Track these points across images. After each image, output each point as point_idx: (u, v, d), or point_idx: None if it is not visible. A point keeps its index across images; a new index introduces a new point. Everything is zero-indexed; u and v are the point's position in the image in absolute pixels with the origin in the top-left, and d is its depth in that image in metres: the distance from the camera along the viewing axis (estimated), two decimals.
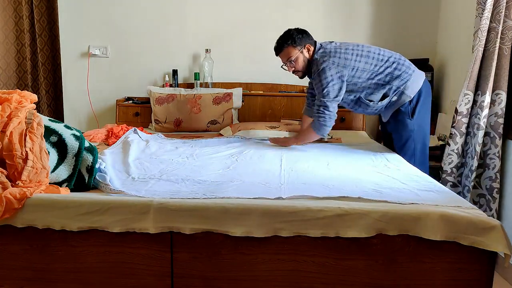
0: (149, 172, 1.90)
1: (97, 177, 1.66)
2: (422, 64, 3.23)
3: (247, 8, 3.53)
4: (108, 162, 1.95)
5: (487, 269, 1.35)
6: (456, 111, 2.47)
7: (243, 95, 3.37)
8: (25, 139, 1.51)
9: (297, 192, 1.54)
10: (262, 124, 3.02)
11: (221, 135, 3.06)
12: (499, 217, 2.44)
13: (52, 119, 1.74)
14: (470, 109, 2.44)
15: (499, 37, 2.32)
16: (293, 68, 2.53)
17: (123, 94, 3.60)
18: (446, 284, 1.36)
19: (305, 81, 3.54)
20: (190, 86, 3.50)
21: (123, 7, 3.55)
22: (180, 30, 3.56)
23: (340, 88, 2.37)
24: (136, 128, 2.78)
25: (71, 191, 1.57)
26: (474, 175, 2.41)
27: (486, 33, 2.34)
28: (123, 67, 3.61)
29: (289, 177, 1.80)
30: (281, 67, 2.57)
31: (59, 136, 1.63)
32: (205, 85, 3.45)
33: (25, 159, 1.48)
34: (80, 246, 1.44)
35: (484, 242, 1.30)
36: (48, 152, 1.56)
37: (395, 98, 2.41)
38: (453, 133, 2.49)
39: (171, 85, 3.48)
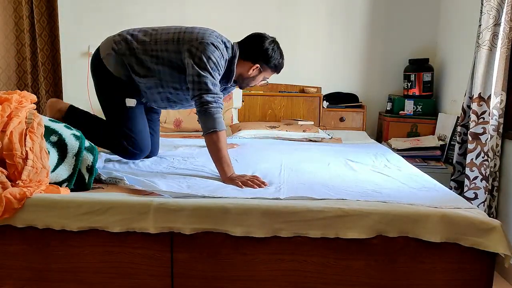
0: (150, 170, 1.90)
1: (113, 174, 1.67)
2: (422, 64, 3.24)
3: (247, 9, 3.52)
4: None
5: (487, 269, 1.35)
6: (463, 110, 2.49)
7: (243, 95, 3.37)
8: (25, 139, 1.51)
9: (297, 192, 1.54)
10: (262, 124, 3.02)
11: None
12: (497, 215, 2.46)
13: (52, 119, 1.74)
14: (473, 109, 2.45)
15: (499, 37, 2.33)
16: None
17: None
18: (446, 284, 1.36)
19: (305, 81, 3.55)
20: None
21: (123, 7, 3.54)
22: None
23: None
24: None
25: (71, 191, 1.57)
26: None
27: (489, 33, 2.34)
28: None
29: (289, 177, 1.80)
30: (264, 82, 2.25)
31: (59, 136, 1.62)
32: None
33: (25, 159, 1.48)
34: (80, 246, 1.44)
35: (484, 243, 1.30)
36: (48, 152, 1.56)
37: None
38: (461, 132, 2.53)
39: None
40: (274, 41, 2.07)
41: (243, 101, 3.36)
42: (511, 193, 2.36)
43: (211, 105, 1.85)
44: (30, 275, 1.47)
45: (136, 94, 2.08)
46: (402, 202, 1.43)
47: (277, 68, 2.12)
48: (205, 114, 1.85)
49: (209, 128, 1.84)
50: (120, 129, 2.02)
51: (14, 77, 3.56)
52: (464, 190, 2.45)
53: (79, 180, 1.62)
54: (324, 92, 3.51)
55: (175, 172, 1.87)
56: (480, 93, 2.41)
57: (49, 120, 1.70)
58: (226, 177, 1.77)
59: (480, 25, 2.38)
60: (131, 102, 2.05)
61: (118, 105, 2.04)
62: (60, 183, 1.58)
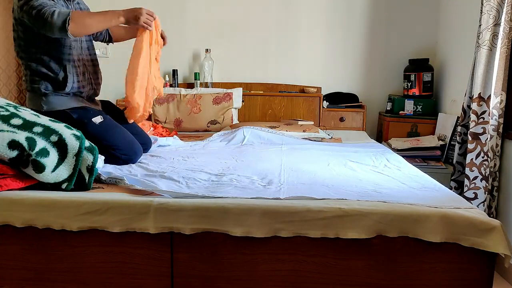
0: (150, 170, 1.90)
1: (112, 175, 1.67)
2: (422, 64, 3.24)
3: (247, 8, 3.53)
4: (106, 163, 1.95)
5: (487, 270, 1.35)
6: (463, 110, 2.50)
7: (243, 95, 3.37)
8: None
9: (297, 192, 1.54)
10: (262, 124, 3.02)
11: None
12: (497, 215, 2.46)
13: (52, 119, 1.74)
14: (473, 109, 2.45)
15: (499, 37, 2.33)
16: None
17: (123, 94, 3.58)
18: (446, 284, 1.36)
19: (305, 81, 3.55)
20: (190, 86, 3.50)
21: (123, 7, 3.54)
22: (180, 30, 3.56)
23: None
24: None
25: (71, 191, 1.57)
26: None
27: (489, 33, 2.34)
28: (123, 67, 3.59)
29: (289, 177, 1.80)
30: None
31: (59, 136, 1.62)
32: (205, 85, 3.45)
33: None
34: (80, 246, 1.44)
35: (484, 243, 1.30)
36: (48, 152, 1.56)
37: None
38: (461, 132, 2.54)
39: (171, 85, 3.48)
40: None
41: (243, 101, 3.36)
42: (511, 193, 2.36)
43: (45, 7, 1.81)
44: (30, 275, 1.47)
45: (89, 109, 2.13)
46: (402, 202, 1.43)
47: None
48: (46, 16, 1.80)
49: (63, 20, 1.80)
50: (104, 145, 1.97)
51: (14, 77, 3.55)
52: (464, 190, 2.45)
53: (79, 180, 1.62)
54: (324, 92, 3.51)
55: (175, 172, 1.87)
56: (480, 93, 2.41)
57: (49, 120, 1.70)
58: (117, 14, 2.04)
59: (480, 25, 2.38)
60: (97, 119, 2.08)
61: (93, 127, 2.04)
62: (60, 183, 1.57)
